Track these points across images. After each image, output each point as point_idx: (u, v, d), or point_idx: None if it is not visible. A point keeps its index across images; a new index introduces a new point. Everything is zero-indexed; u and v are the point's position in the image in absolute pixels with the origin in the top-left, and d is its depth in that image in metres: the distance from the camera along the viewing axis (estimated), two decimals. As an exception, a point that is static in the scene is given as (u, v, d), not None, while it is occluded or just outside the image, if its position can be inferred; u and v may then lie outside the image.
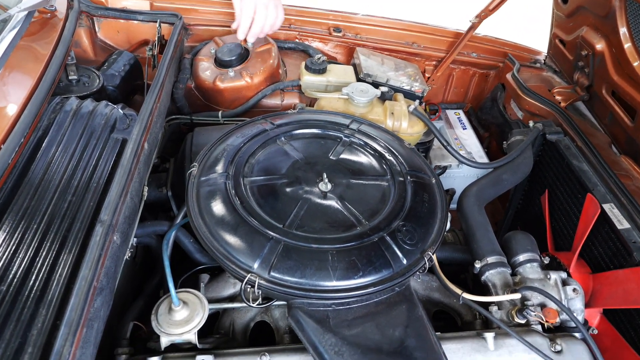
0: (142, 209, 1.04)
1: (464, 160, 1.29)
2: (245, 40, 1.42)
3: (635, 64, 1.21)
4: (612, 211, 1.11)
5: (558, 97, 1.52)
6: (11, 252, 0.76)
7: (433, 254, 0.91)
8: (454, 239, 1.29)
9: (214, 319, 1.04)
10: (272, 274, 0.84)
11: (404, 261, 0.88)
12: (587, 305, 1.04)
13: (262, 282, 0.83)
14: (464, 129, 1.76)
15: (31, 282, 0.74)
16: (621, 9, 1.23)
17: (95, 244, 0.78)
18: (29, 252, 0.77)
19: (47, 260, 0.77)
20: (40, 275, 0.75)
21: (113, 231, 0.83)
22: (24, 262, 0.76)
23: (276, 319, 1.00)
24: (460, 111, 1.84)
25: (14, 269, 0.75)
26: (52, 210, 0.85)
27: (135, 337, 0.97)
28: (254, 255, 0.85)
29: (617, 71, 1.30)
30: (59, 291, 0.74)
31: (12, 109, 0.98)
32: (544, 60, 1.73)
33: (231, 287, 1.05)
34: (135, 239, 1.03)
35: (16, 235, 0.79)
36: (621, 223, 1.08)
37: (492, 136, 1.78)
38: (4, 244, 0.77)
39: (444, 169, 1.60)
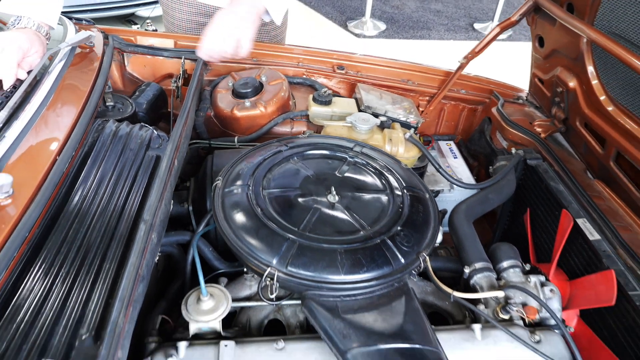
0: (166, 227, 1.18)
1: (453, 181, 1.45)
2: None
3: (601, 98, 1.39)
4: (585, 225, 1.26)
5: (538, 129, 1.69)
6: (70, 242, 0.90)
7: (427, 255, 1.05)
8: (447, 254, 1.44)
9: (231, 317, 1.16)
10: (289, 268, 0.97)
11: (402, 260, 1.02)
12: (565, 308, 1.17)
13: (280, 274, 0.96)
14: (455, 158, 1.93)
15: (88, 264, 0.87)
16: (588, 52, 1.42)
17: (140, 238, 0.92)
18: (83, 246, 0.91)
19: (100, 249, 0.91)
20: (95, 258, 0.89)
21: (152, 230, 0.97)
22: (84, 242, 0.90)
23: (287, 317, 1.12)
24: (452, 142, 2.01)
25: (77, 244, 0.89)
26: (101, 210, 0.99)
27: (162, 330, 1.09)
28: (273, 253, 0.99)
29: (588, 105, 1.48)
30: (111, 275, 0.87)
31: (64, 128, 1.13)
32: (526, 97, 1.92)
33: (247, 289, 1.17)
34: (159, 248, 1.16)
35: (74, 227, 0.93)
36: (592, 235, 1.23)
37: (481, 165, 1.95)
38: (73, 220, 0.92)
39: (437, 193, 1.75)
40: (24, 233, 0.87)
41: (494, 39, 1.74)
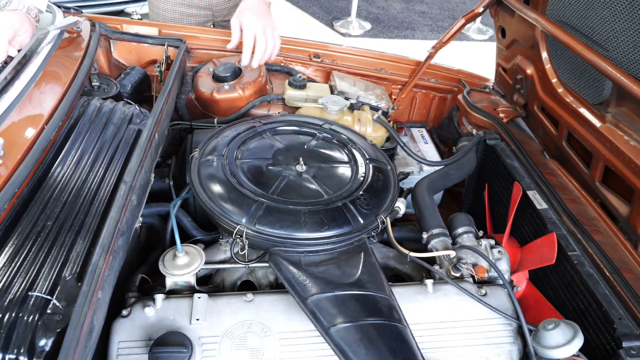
0: (147, 196, 1.27)
1: (415, 157, 1.55)
2: (250, 66, 1.64)
3: (553, 81, 1.50)
4: (535, 196, 1.37)
5: (501, 115, 1.81)
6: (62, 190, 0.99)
7: (385, 218, 1.15)
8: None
9: (207, 279, 1.25)
10: (257, 226, 1.07)
11: (361, 221, 1.12)
12: (516, 271, 1.28)
13: (249, 232, 1.06)
14: (426, 143, 2.03)
15: (72, 218, 0.96)
16: (542, 39, 1.53)
17: (120, 197, 1.01)
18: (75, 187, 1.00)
19: (83, 206, 1.00)
20: (79, 214, 0.97)
21: (132, 191, 1.06)
22: (69, 199, 0.99)
23: (259, 278, 1.21)
24: (423, 129, 2.12)
25: (63, 201, 0.98)
26: (85, 174, 1.08)
27: (141, 289, 1.17)
28: (242, 213, 1.08)
29: (543, 90, 1.59)
30: (93, 228, 0.96)
31: (50, 103, 1.22)
32: (492, 86, 2.03)
33: (222, 254, 1.26)
34: (141, 219, 1.24)
35: (59, 187, 1.02)
36: (540, 204, 1.34)
37: (450, 150, 2.05)
38: (59, 178, 1.00)
39: (407, 174, 1.85)
40: (13, 189, 0.95)
41: (460, 29, 1.85)
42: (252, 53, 1.60)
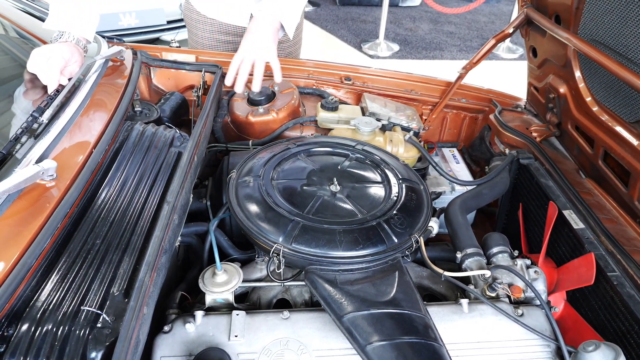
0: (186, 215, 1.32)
1: (449, 178, 1.56)
2: (232, 86, 1.59)
3: (587, 100, 1.49)
4: (570, 215, 1.35)
5: (534, 134, 1.80)
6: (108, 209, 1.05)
7: (419, 237, 1.16)
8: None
9: (243, 297, 1.28)
10: (293, 245, 1.09)
11: (395, 240, 1.13)
12: (553, 292, 1.26)
13: (285, 250, 1.09)
14: (457, 163, 2.04)
15: (119, 237, 1.01)
16: (575, 59, 1.53)
17: (163, 217, 1.06)
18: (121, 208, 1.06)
19: (129, 225, 1.05)
20: (125, 233, 1.02)
21: (174, 211, 1.11)
22: (116, 219, 1.04)
23: (294, 296, 1.24)
24: (454, 149, 2.12)
25: (110, 220, 1.03)
26: (130, 195, 1.14)
27: (181, 306, 1.21)
28: (279, 232, 1.11)
29: (577, 109, 1.58)
30: (138, 246, 1.01)
31: (97, 128, 1.29)
32: (524, 105, 2.03)
33: (258, 272, 1.29)
34: (180, 238, 1.29)
35: (107, 207, 1.08)
36: (577, 224, 1.32)
37: (482, 170, 2.05)
38: (107, 199, 1.07)
39: (439, 194, 1.85)
40: (65, 210, 1.01)
41: (490, 50, 1.87)
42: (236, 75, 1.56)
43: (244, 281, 1.23)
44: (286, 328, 1.05)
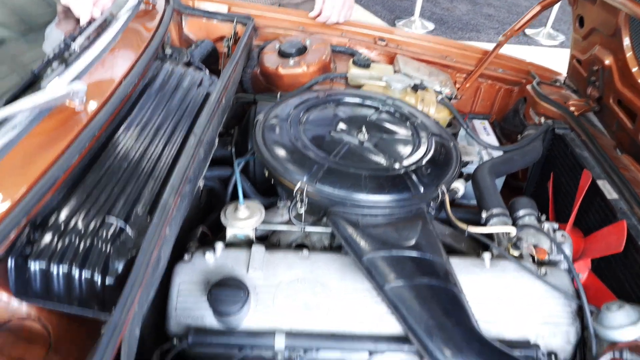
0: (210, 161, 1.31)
1: (481, 142, 1.52)
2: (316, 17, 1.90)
3: (634, 70, 1.43)
4: (605, 185, 1.30)
5: (572, 108, 1.73)
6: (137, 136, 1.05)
7: (446, 190, 1.14)
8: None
9: (263, 240, 1.28)
10: (318, 185, 1.08)
11: (421, 189, 1.11)
12: (578, 259, 1.23)
13: (309, 190, 1.08)
14: (488, 135, 1.98)
15: (145, 162, 1.02)
16: (625, 26, 1.46)
17: (190, 146, 1.06)
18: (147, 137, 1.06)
19: (156, 151, 1.05)
20: (150, 159, 1.03)
21: (200, 145, 1.11)
22: (141, 146, 1.04)
23: (314, 241, 1.23)
24: (486, 121, 2.06)
25: (137, 148, 1.04)
26: (158, 126, 1.14)
27: (202, 242, 1.22)
28: (304, 172, 1.10)
29: (622, 81, 1.52)
30: (164, 172, 1.01)
31: (127, 63, 1.28)
32: (564, 80, 1.95)
33: (279, 217, 1.28)
34: (202, 181, 1.28)
35: (135, 132, 1.08)
36: (611, 194, 1.27)
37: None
38: (134, 129, 1.07)
39: (466, 163, 1.81)
40: (93, 131, 1.01)
41: (534, 17, 1.80)
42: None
43: (264, 222, 1.22)
44: (305, 267, 1.05)
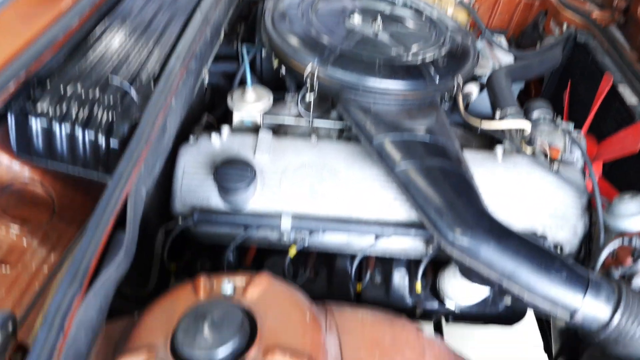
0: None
1: (493, 41, 1.45)
2: None
3: (666, -24, 1.33)
4: (625, 91, 1.25)
5: (596, 18, 1.65)
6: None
7: (461, 82, 1.09)
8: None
9: (270, 134, 1.25)
10: (329, 68, 1.03)
11: (437, 80, 1.06)
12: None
13: (320, 74, 1.03)
14: (504, 50, 1.90)
15: (151, 33, 0.97)
16: None
17: (197, 22, 1.00)
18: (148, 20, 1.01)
19: (160, 24, 1.00)
20: (157, 30, 0.98)
21: (207, 24, 1.05)
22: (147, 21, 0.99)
23: (321, 136, 1.19)
24: (502, 36, 1.97)
25: (143, 18, 0.99)
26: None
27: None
28: (315, 54, 1.05)
29: (652, -11, 1.43)
30: (169, 44, 0.97)
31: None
32: (589, -7, 1.84)
33: (286, 110, 1.25)
34: (207, 78, 1.22)
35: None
36: (630, 99, 1.23)
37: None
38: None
39: (480, 76, 1.75)
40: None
41: None
42: None
43: (272, 114, 1.18)
44: (313, 154, 1.02)
